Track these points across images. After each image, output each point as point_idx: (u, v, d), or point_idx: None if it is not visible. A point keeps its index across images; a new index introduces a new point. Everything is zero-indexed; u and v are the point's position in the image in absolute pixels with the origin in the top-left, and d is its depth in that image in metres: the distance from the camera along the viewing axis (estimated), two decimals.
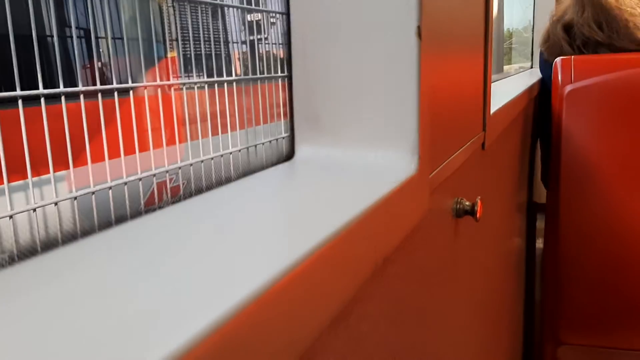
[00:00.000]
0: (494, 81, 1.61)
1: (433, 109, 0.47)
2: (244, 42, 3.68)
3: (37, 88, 1.86)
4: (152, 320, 0.17)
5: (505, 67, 3.55)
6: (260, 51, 3.66)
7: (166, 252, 0.24)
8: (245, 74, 3.38)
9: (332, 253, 0.27)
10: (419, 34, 0.41)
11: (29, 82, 1.89)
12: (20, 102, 1.79)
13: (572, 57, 1.41)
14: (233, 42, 3.55)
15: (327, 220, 0.29)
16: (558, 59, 1.43)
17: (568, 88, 1.37)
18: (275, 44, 3.68)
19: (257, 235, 0.28)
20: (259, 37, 3.60)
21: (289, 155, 0.48)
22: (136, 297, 0.19)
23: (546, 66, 1.60)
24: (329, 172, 0.43)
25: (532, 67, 2.40)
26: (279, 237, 0.28)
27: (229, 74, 3.21)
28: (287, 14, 0.44)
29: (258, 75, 3.14)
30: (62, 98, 1.91)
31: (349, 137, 0.45)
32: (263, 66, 3.26)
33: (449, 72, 0.53)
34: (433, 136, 0.47)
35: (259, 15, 3.68)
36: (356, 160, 0.45)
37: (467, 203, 0.62)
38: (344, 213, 0.30)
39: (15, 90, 1.79)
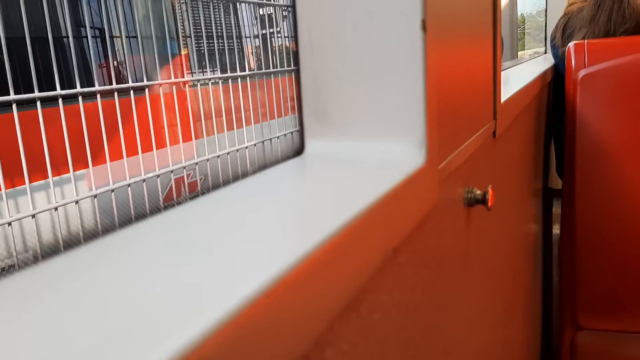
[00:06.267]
0: (508, 68, 1.60)
1: (441, 100, 0.47)
2: (256, 37, 3.69)
3: (55, 89, 1.89)
4: (168, 310, 0.18)
5: (520, 53, 3.51)
6: (273, 45, 3.67)
7: (186, 248, 0.25)
8: (259, 68, 3.39)
9: (341, 245, 0.28)
10: (424, 28, 0.42)
11: (46, 84, 1.92)
12: (38, 103, 1.82)
13: (586, 41, 1.40)
14: (246, 37, 3.56)
15: (336, 214, 0.30)
16: (571, 44, 1.41)
17: (582, 73, 1.36)
18: (287, 37, 3.69)
19: (270, 229, 0.29)
20: (271, 30, 3.61)
21: (299, 150, 0.49)
22: (156, 288, 0.20)
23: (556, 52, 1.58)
24: (338, 166, 0.44)
25: (546, 52, 2.38)
26: (290, 230, 0.29)
27: (243, 69, 3.22)
28: (293, 6, 0.45)
29: (271, 70, 3.15)
30: (80, 98, 1.94)
31: (357, 131, 0.46)
32: (276, 60, 3.27)
33: (456, 62, 0.54)
34: (442, 127, 0.48)
35: (271, 9, 3.69)
36: (365, 153, 0.45)
37: (478, 192, 0.63)
38: (353, 206, 0.31)
39: (33, 92, 1.82)
